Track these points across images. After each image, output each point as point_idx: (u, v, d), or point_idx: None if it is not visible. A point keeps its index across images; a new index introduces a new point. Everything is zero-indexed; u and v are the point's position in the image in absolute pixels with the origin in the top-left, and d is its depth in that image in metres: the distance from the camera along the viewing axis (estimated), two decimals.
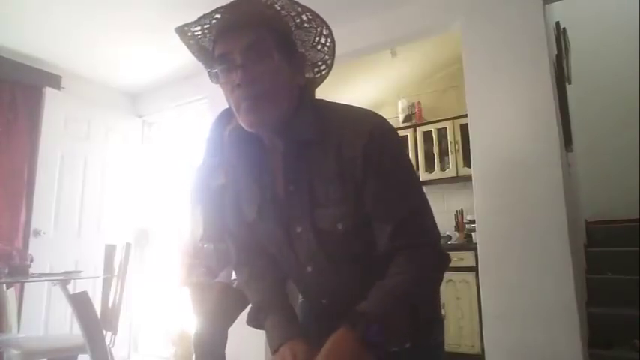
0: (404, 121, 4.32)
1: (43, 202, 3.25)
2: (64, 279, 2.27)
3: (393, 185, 0.80)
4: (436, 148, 4.00)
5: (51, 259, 3.13)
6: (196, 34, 0.83)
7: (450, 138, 3.89)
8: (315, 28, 0.86)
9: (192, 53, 0.89)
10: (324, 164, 0.82)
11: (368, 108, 0.87)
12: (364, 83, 4.27)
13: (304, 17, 0.83)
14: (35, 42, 3.17)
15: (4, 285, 2.52)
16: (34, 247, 3.08)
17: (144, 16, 2.83)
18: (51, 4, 2.67)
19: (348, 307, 0.76)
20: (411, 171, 0.87)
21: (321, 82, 0.99)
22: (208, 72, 0.85)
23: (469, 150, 2.49)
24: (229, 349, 1.84)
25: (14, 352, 2.08)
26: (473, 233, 3.43)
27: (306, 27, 0.86)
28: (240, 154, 0.96)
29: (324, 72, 0.97)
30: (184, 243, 2.02)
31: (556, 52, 2.82)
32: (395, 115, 4.42)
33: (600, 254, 3.13)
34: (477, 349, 3.11)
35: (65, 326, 3.21)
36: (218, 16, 0.77)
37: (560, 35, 3.01)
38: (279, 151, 0.87)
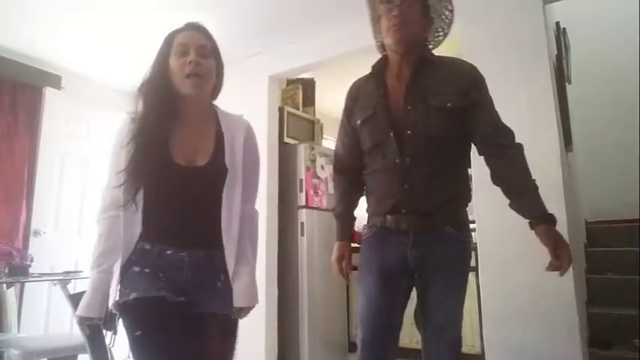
0: None
1: (43, 202, 3.25)
2: (64, 279, 2.28)
3: (491, 110, 1.38)
4: None
5: (51, 259, 3.12)
6: None
7: None
8: (447, 2, 1.35)
9: None
10: (440, 77, 1.31)
11: None
12: None
13: None
14: (35, 42, 3.17)
15: (4, 285, 2.52)
16: (34, 247, 3.07)
17: (144, 16, 2.83)
18: (51, 4, 2.67)
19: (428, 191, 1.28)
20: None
21: (437, 47, 1.45)
22: None
23: None
24: None
25: (14, 352, 2.08)
26: (473, 233, 3.43)
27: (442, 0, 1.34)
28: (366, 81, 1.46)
29: (439, 38, 1.42)
30: None
31: (556, 52, 2.82)
32: None
33: (600, 254, 3.13)
34: (477, 349, 3.11)
35: (65, 326, 3.20)
36: None
37: (560, 35, 3.01)
38: (406, 73, 1.32)
